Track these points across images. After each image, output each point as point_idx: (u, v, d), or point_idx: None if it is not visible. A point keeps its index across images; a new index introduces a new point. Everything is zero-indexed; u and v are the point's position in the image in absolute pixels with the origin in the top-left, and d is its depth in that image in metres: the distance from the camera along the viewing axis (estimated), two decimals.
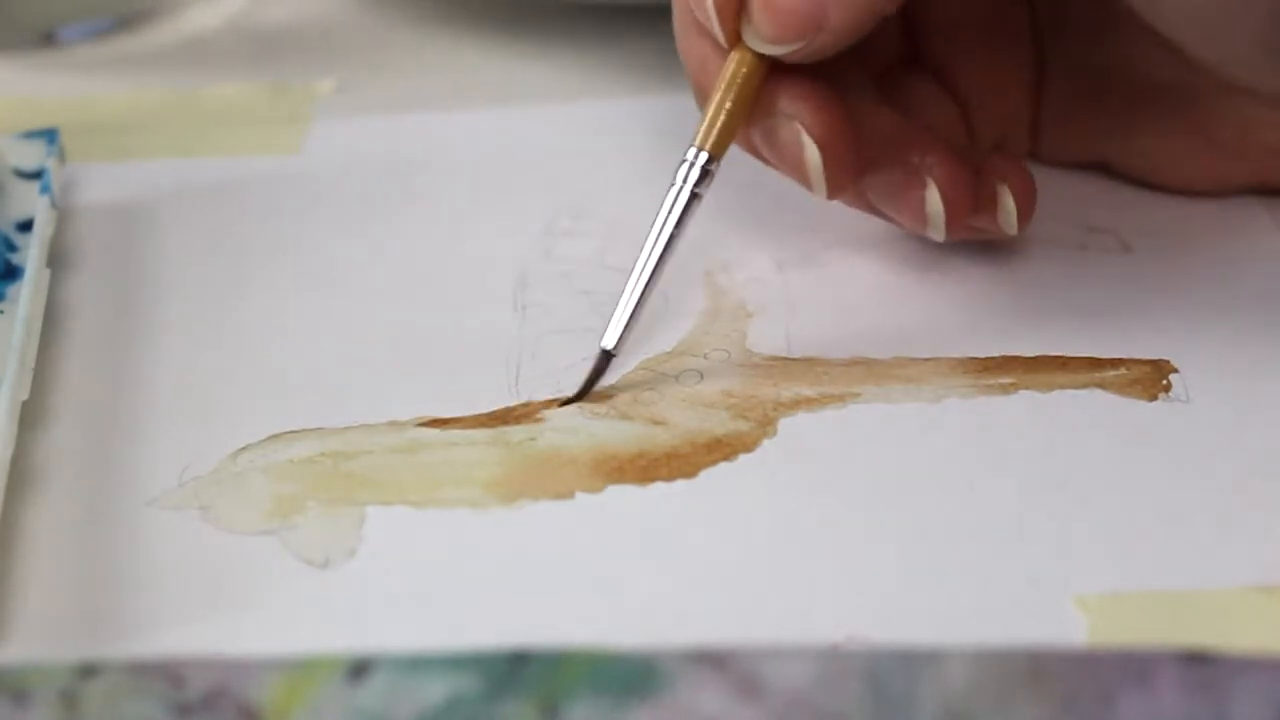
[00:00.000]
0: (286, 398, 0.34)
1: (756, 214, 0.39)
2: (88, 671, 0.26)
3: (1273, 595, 0.28)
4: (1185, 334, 0.34)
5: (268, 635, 0.28)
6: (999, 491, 0.31)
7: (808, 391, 0.33)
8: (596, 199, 0.40)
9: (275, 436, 0.33)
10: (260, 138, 0.43)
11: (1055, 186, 0.38)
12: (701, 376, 0.34)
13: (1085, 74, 0.38)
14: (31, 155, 0.39)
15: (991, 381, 0.33)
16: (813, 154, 0.33)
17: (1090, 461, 0.31)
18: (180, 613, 0.29)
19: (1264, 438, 0.32)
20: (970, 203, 0.34)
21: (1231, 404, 0.32)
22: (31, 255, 0.35)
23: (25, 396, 0.32)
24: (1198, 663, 0.25)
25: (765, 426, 0.32)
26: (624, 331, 0.33)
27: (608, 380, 0.34)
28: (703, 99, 0.34)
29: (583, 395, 0.33)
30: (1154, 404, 0.33)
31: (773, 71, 0.33)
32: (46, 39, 0.49)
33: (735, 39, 0.33)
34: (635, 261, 0.33)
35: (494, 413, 0.33)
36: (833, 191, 0.34)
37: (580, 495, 0.31)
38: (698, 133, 0.33)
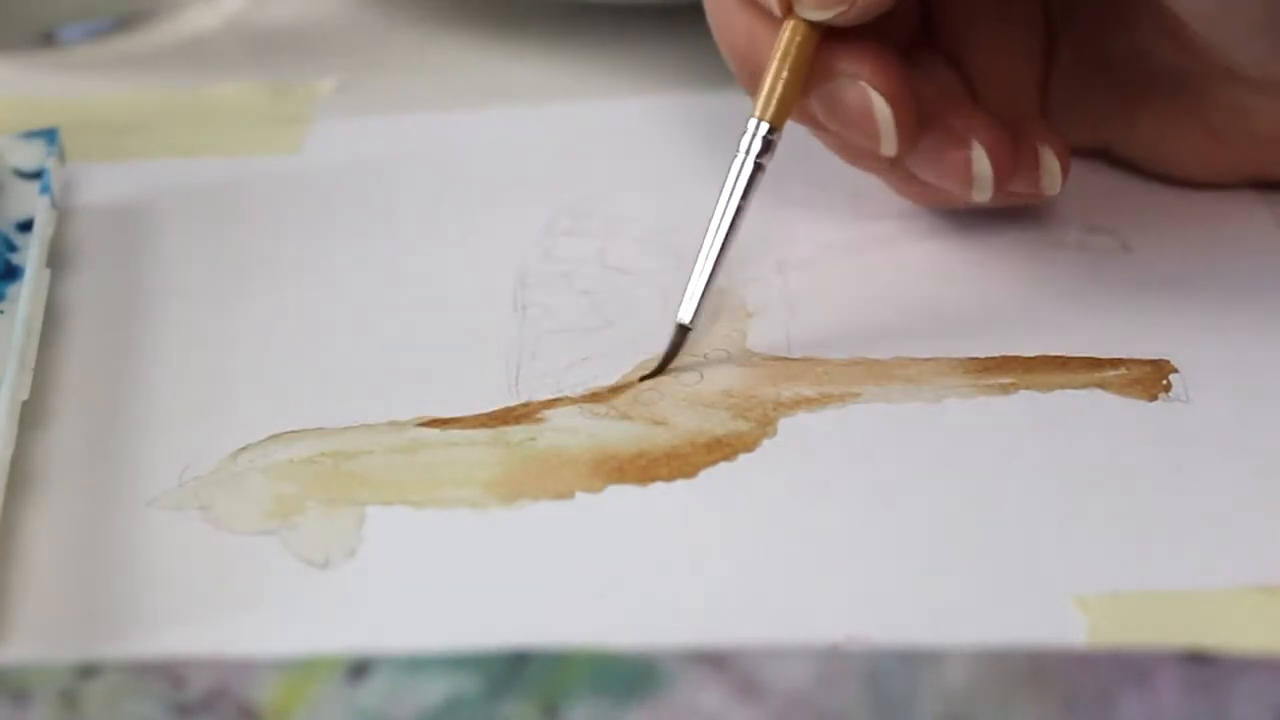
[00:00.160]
0: (286, 398, 0.34)
1: (757, 214, 0.39)
2: (88, 671, 0.26)
3: (1273, 595, 0.28)
4: (1185, 334, 0.34)
5: (268, 635, 0.28)
6: (999, 492, 0.31)
7: (808, 391, 0.33)
8: (596, 199, 0.40)
9: (275, 436, 0.33)
10: (260, 138, 0.43)
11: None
12: (701, 376, 0.34)
13: (1092, 58, 0.38)
14: (31, 155, 0.39)
15: (991, 381, 0.33)
16: (882, 108, 0.34)
17: (1090, 461, 0.31)
18: (180, 613, 0.29)
19: (1264, 438, 0.32)
20: (1013, 162, 0.35)
21: (1231, 404, 0.32)
22: (31, 255, 0.35)
23: (25, 396, 0.32)
24: (1198, 663, 0.25)
25: (765, 426, 0.32)
26: (699, 304, 0.33)
27: (606, 379, 0.34)
28: (749, 75, 0.35)
29: (662, 370, 0.34)
30: (1154, 404, 0.33)
31: (825, 39, 0.34)
32: (46, 39, 0.49)
33: (788, 8, 0.34)
34: (704, 235, 0.33)
35: (494, 413, 0.33)
36: (903, 144, 0.34)
37: (580, 495, 0.31)
38: (757, 104, 0.34)
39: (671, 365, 0.34)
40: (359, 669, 0.26)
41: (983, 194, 0.35)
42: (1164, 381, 0.33)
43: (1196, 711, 0.25)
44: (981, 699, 0.25)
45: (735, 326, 0.35)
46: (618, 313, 0.36)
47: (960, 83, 0.37)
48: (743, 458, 0.32)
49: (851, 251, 0.37)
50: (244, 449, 0.32)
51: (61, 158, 0.40)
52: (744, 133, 0.34)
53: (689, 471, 0.31)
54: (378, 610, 0.29)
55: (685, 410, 0.33)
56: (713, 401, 0.33)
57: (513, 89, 0.45)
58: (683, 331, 0.34)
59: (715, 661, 0.26)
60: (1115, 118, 0.39)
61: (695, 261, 0.34)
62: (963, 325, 0.35)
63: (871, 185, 0.38)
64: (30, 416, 0.33)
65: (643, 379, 0.34)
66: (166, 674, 0.26)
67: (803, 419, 0.33)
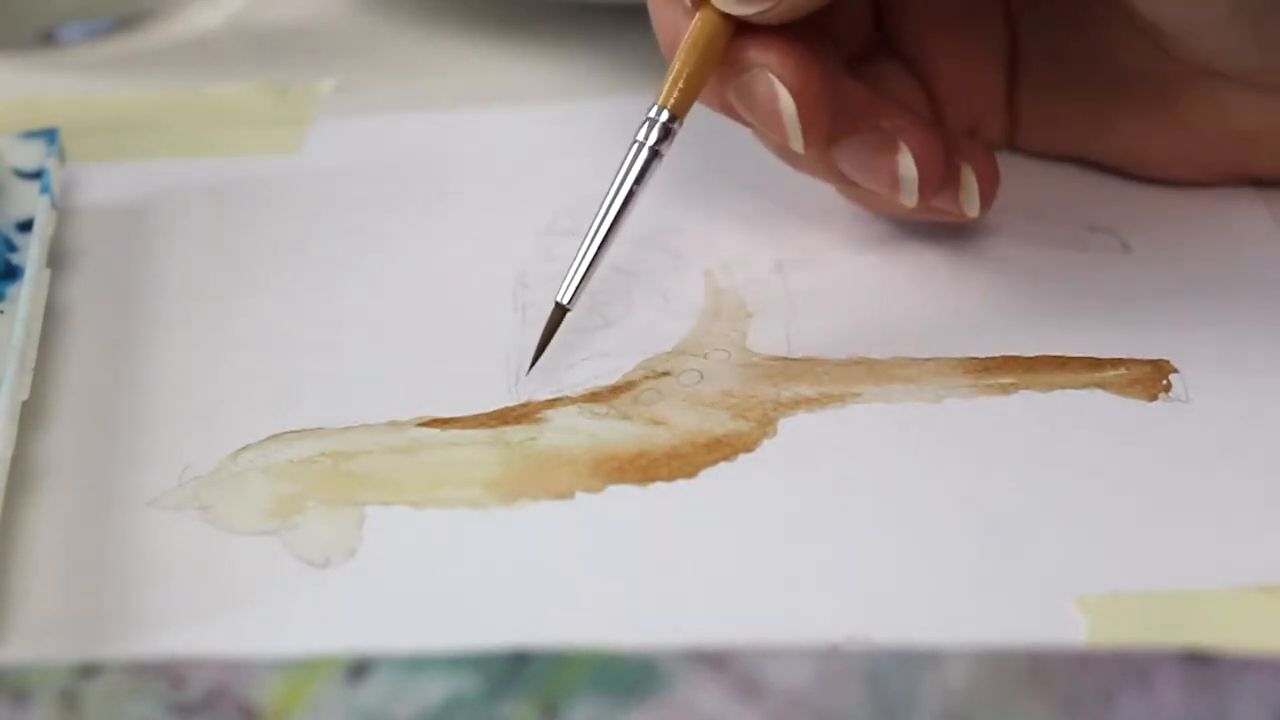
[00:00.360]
0: (286, 398, 0.34)
1: (756, 214, 0.39)
2: (88, 671, 0.26)
3: (1273, 595, 0.28)
4: (1185, 334, 0.34)
5: (268, 635, 0.28)
6: (999, 492, 0.31)
7: (808, 391, 0.33)
8: (597, 199, 0.40)
9: (275, 436, 0.33)
10: (260, 138, 0.43)
11: (1056, 186, 0.38)
12: (701, 376, 0.34)
13: (1061, 62, 0.38)
14: (31, 155, 0.39)
15: (991, 381, 0.33)
16: (787, 101, 0.33)
17: (1090, 461, 0.31)
18: (180, 613, 0.29)
19: (1264, 438, 0.32)
20: (941, 170, 0.34)
21: (1231, 404, 0.32)
22: (31, 255, 0.35)
23: (25, 396, 0.32)
24: (1198, 663, 0.25)
25: (765, 426, 0.32)
26: (578, 287, 0.33)
27: (606, 379, 0.34)
28: None
29: (538, 355, 0.34)
30: (1154, 404, 0.33)
31: (742, 30, 0.33)
32: (46, 39, 0.49)
33: (699, 1, 0.34)
34: (592, 217, 0.33)
35: (494, 413, 0.33)
36: (809, 141, 0.34)
37: (580, 495, 0.31)
38: (660, 91, 0.33)
39: (666, 369, 0.34)
40: (359, 669, 0.26)
41: (909, 199, 0.34)
42: (1164, 381, 0.33)
43: (1196, 711, 0.25)
44: (981, 699, 0.25)
45: (735, 326, 0.35)
46: (618, 313, 0.36)
47: (918, 90, 0.37)
48: (743, 458, 0.32)
49: (851, 251, 0.37)
50: (244, 449, 0.32)
51: (61, 158, 0.40)
52: (644, 120, 0.34)
53: (689, 471, 0.31)
54: (378, 610, 0.29)
55: (685, 410, 0.33)
56: (713, 401, 0.33)
57: (512, 89, 0.45)
58: (560, 312, 0.33)
59: (715, 661, 0.26)
60: (1091, 122, 0.38)
61: (580, 243, 0.33)
62: (963, 325, 0.35)
63: None
64: (30, 416, 0.33)
65: (531, 365, 0.34)
66: (166, 674, 0.26)
67: (803, 419, 0.33)
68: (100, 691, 0.26)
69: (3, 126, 0.42)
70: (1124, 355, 0.34)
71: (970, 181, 0.35)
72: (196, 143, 0.44)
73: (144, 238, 0.39)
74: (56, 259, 0.38)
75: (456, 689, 0.26)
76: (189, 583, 0.29)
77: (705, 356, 0.34)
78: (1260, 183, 0.38)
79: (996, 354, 0.34)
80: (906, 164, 0.34)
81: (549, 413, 0.33)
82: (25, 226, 0.37)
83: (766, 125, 0.34)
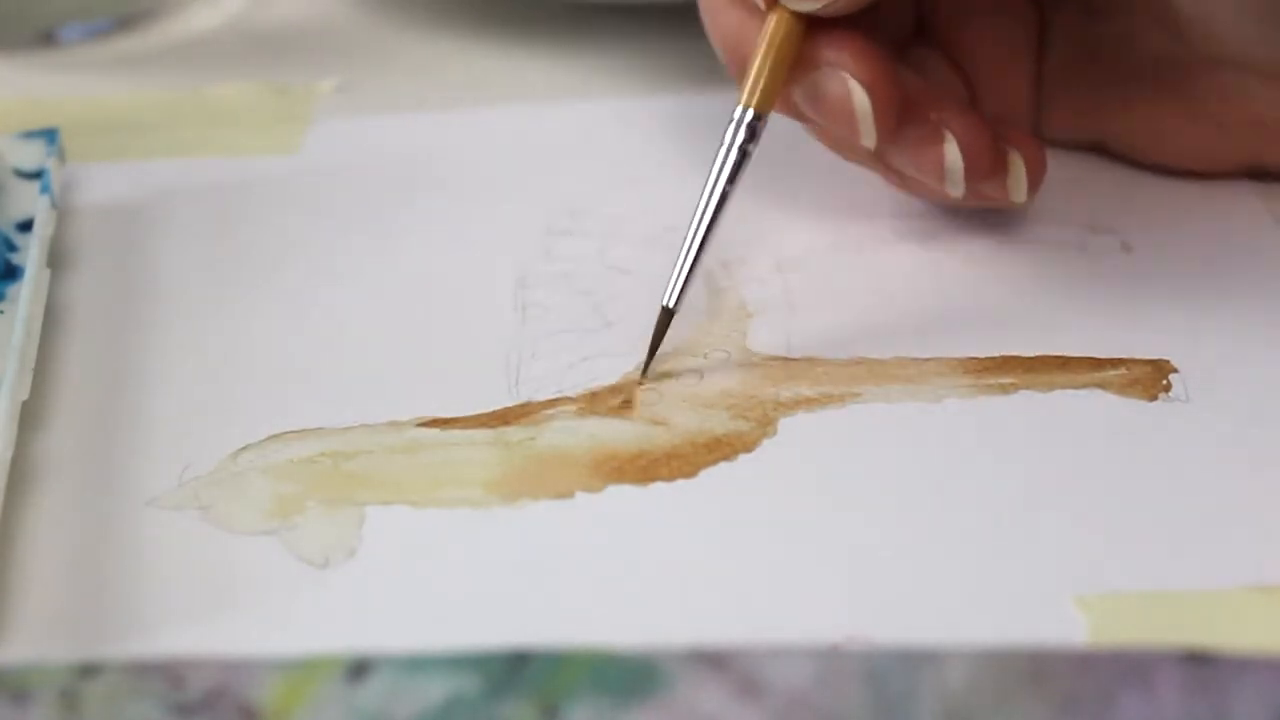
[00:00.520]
0: (286, 398, 0.34)
1: (757, 214, 0.39)
2: (88, 671, 0.26)
3: (1273, 595, 0.28)
4: (1185, 334, 0.34)
5: (268, 635, 0.28)
6: (999, 491, 0.31)
7: (808, 391, 0.33)
8: (596, 199, 0.40)
9: (275, 436, 0.33)
10: (260, 138, 0.43)
11: (1056, 187, 0.38)
12: (701, 376, 0.34)
13: (1084, 49, 0.38)
14: (31, 155, 0.39)
15: (991, 381, 0.33)
16: (861, 99, 0.34)
17: (1090, 461, 0.31)
18: (180, 613, 0.29)
19: (1264, 438, 0.32)
20: (988, 160, 0.35)
21: (1231, 404, 0.32)
22: (31, 255, 0.35)
23: (25, 396, 0.32)
24: (1198, 663, 0.25)
25: (765, 426, 0.32)
26: (682, 289, 0.34)
27: (606, 379, 0.34)
28: (738, 66, 0.35)
29: (650, 358, 0.34)
30: (1154, 404, 0.33)
31: (810, 29, 0.34)
32: (46, 39, 0.49)
33: (772, 1, 0.34)
34: (690, 221, 0.34)
35: (494, 413, 0.33)
36: (882, 136, 0.34)
37: (580, 495, 0.31)
38: (742, 92, 0.34)
39: (666, 369, 0.34)
40: (359, 669, 0.26)
41: (955, 189, 0.35)
42: (1164, 381, 0.33)
43: (1196, 711, 0.25)
44: (981, 699, 0.25)
45: (735, 326, 0.35)
46: (618, 313, 0.36)
47: (955, 79, 0.38)
48: (743, 458, 0.32)
49: (851, 251, 0.37)
50: (244, 449, 0.32)
51: (61, 158, 0.40)
52: (730, 120, 0.34)
53: (689, 471, 0.31)
54: (378, 610, 0.29)
55: (685, 410, 0.33)
56: (713, 401, 0.33)
57: (512, 89, 0.45)
58: (667, 315, 0.34)
59: (715, 661, 0.26)
60: (1111, 108, 0.39)
61: (680, 246, 0.34)
62: (963, 325, 0.35)
63: (871, 185, 0.38)
64: (30, 416, 0.33)
65: (644, 371, 0.34)
66: (166, 674, 0.26)
67: (803, 419, 0.33)
68: (100, 691, 0.26)
69: (3, 126, 0.42)
70: (1124, 355, 0.34)
71: (1019, 168, 0.35)
72: (196, 143, 0.44)
73: (144, 238, 0.39)
74: (56, 259, 0.38)
75: (456, 689, 0.26)
76: (189, 583, 0.29)
77: (705, 356, 0.34)
78: (1270, 174, 0.38)
79: (996, 354, 0.34)
80: (952, 154, 0.35)
81: (549, 413, 0.33)
82: (25, 226, 0.37)
83: (838, 122, 0.34)
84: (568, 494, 0.31)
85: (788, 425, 0.32)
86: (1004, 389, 0.33)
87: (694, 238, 0.34)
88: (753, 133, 0.34)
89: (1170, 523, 0.30)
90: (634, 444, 0.32)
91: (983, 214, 0.38)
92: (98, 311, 0.37)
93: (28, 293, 0.34)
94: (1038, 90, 0.39)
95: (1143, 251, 0.37)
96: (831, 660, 0.26)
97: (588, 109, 0.44)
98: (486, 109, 0.44)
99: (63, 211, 0.39)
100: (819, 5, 0.34)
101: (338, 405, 0.33)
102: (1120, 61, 0.38)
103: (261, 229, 0.40)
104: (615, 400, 0.33)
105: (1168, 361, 0.33)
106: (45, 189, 0.38)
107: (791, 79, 0.34)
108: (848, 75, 0.34)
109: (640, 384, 0.34)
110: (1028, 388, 0.33)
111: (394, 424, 0.33)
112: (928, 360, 0.34)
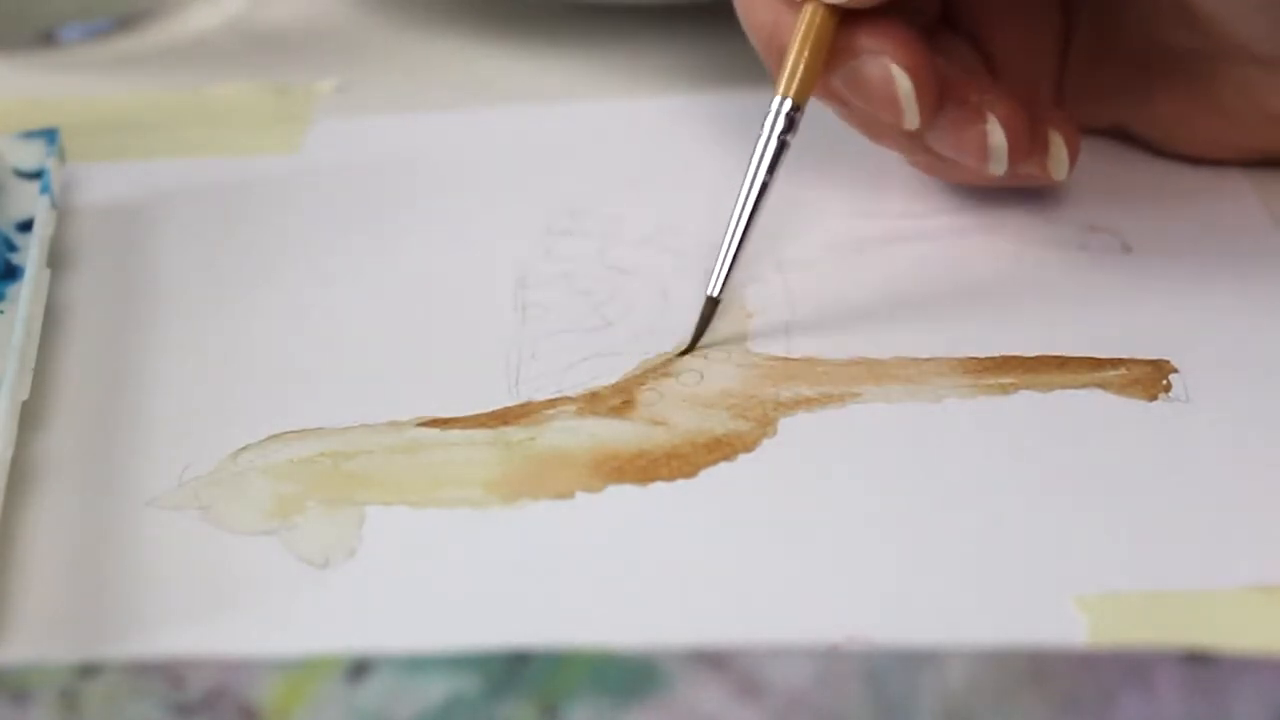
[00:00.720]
0: (286, 398, 0.34)
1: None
2: (88, 671, 0.26)
3: (1273, 595, 0.28)
4: (1185, 334, 0.34)
5: (268, 635, 0.28)
6: (999, 491, 0.31)
7: (808, 391, 0.33)
8: (596, 199, 0.40)
9: (275, 436, 0.33)
10: (260, 138, 0.43)
11: (1057, 186, 0.38)
12: (701, 376, 0.34)
13: (1108, 36, 0.39)
14: (31, 155, 0.39)
15: (991, 381, 0.33)
16: (904, 83, 0.34)
17: (1090, 461, 0.31)
18: (180, 613, 0.29)
19: (1264, 438, 0.32)
20: (1029, 139, 0.35)
21: (1231, 404, 0.32)
22: (31, 255, 0.35)
23: (25, 396, 0.32)
24: (1198, 663, 0.25)
25: (765, 426, 0.32)
26: (726, 277, 0.34)
27: (606, 379, 0.34)
28: (774, 56, 0.36)
29: (694, 345, 0.34)
30: (1154, 404, 0.33)
31: (844, 20, 0.35)
32: (46, 39, 0.49)
33: None
34: (731, 211, 0.34)
35: (494, 413, 0.33)
36: (925, 119, 0.35)
37: (580, 495, 0.31)
38: (780, 82, 0.35)
39: (666, 369, 0.34)
40: (359, 669, 0.26)
41: (998, 168, 0.36)
42: (1164, 381, 0.33)
43: (1196, 711, 0.25)
44: (981, 699, 0.25)
45: (735, 327, 0.35)
46: (618, 313, 0.36)
47: (980, 63, 0.38)
48: (743, 458, 0.32)
49: (851, 251, 0.37)
50: (244, 449, 0.32)
51: (61, 158, 0.40)
52: (768, 111, 0.34)
53: (689, 471, 0.31)
54: (378, 610, 0.29)
55: (685, 410, 0.33)
56: (713, 401, 0.33)
57: (512, 89, 0.45)
58: (712, 304, 0.34)
59: (715, 661, 0.26)
60: (1131, 96, 0.39)
61: (724, 236, 0.34)
62: (963, 325, 0.35)
63: (871, 185, 0.38)
64: (30, 416, 0.33)
65: (682, 354, 0.34)
66: (166, 674, 0.26)
67: (803, 419, 0.33)
68: (100, 691, 0.26)
69: (3, 126, 0.42)
70: (1124, 355, 0.34)
71: (1059, 146, 0.36)
72: (196, 143, 0.44)
73: (144, 238, 0.39)
74: (56, 259, 0.38)
75: (456, 689, 0.26)
76: (189, 583, 0.29)
77: (705, 356, 0.34)
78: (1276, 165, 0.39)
79: (996, 354, 0.34)
80: (996, 134, 0.35)
81: (549, 413, 0.33)
82: (25, 226, 0.37)
83: (881, 106, 0.35)
84: (568, 494, 0.31)
85: (788, 425, 0.32)
86: (1004, 389, 0.33)
87: (736, 228, 0.34)
88: (791, 123, 0.34)
89: (1170, 523, 0.30)
90: (634, 444, 0.32)
91: (983, 214, 0.38)
92: (98, 311, 0.37)
93: (28, 293, 0.34)
94: (1061, 77, 0.39)
95: (1143, 251, 0.37)
96: (831, 660, 0.26)
97: (588, 109, 0.44)
98: (486, 109, 0.44)
99: (63, 211, 0.39)
100: None
101: (338, 405, 0.33)
102: (1143, 52, 0.38)
103: (261, 229, 0.40)
104: (615, 400, 0.33)
105: (1168, 361, 0.33)
106: (45, 189, 0.38)
107: (830, 66, 0.35)
108: (890, 61, 0.34)
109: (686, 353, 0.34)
110: (1027, 388, 0.33)
111: (394, 424, 0.33)
112: (927, 360, 0.34)
